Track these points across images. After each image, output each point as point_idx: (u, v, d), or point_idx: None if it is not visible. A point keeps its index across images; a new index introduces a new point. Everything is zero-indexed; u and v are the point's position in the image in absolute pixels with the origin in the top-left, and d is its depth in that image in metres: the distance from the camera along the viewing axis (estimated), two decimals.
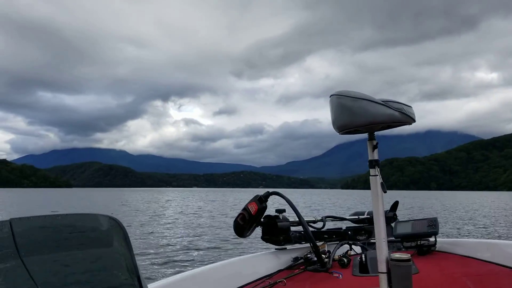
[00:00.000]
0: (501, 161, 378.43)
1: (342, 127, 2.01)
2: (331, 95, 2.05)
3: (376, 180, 2.03)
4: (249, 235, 2.86)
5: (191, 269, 2.46)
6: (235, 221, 2.83)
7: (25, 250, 0.73)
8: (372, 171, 2.04)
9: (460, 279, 2.25)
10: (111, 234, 0.69)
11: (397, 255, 1.98)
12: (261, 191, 2.84)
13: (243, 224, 2.79)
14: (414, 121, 2.02)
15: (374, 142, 2.06)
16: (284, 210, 2.93)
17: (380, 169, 2.05)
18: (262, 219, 2.88)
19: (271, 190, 2.83)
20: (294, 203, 2.85)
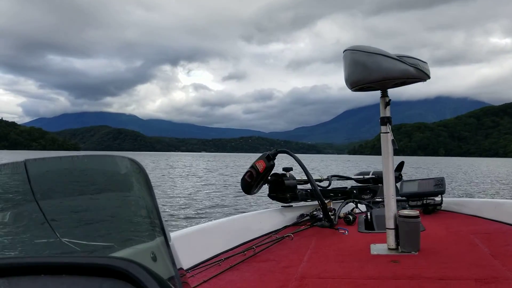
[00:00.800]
0: None
1: (355, 83, 1.96)
2: (344, 50, 1.97)
3: (387, 137, 2.05)
4: (256, 192, 2.88)
5: (200, 224, 2.51)
6: (243, 179, 2.84)
7: (40, 192, 0.70)
8: (383, 128, 2.06)
9: (467, 236, 2.25)
10: (131, 177, 0.66)
11: (405, 211, 2.02)
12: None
13: (251, 182, 2.79)
14: (429, 77, 1.95)
15: (387, 99, 2.04)
16: (291, 169, 2.94)
17: (391, 126, 2.05)
18: (269, 177, 2.89)
19: (279, 148, 2.80)
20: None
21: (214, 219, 2.68)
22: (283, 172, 2.91)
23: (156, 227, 0.57)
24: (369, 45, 1.90)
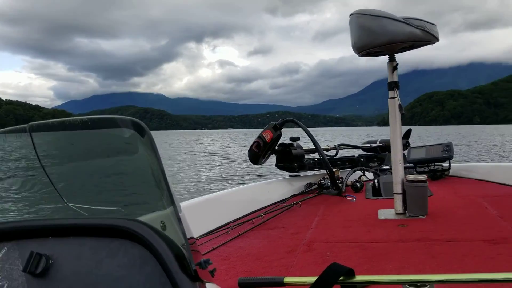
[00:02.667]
0: None
1: (361, 47, 1.95)
2: (350, 14, 1.95)
3: (394, 102, 2.04)
4: (263, 163, 2.88)
5: (209, 194, 2.52)
6: (250, 149, 2.82)
7: (46, 157, 0.70)
8: (390, 93, 2.05)
9: (476, 200, 2.25)
10: (135, 140, 0.64)
11: (413, 176, 2.05)
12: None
13: (258, 152, 2.78)
14: (437, 39, 1.92)
15: (394, 63, 2.03)
16: (298, 138, 2.95)
17: (398, 91, 2.04)
18: (276, 147, 2.90)
19: (286, 118, 2.81)
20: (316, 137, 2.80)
21: (223, 189, 2.75)
22: (290, 142, 2.91)
23: (164, 193, 0.56)
24: (376, 9, 1.89)
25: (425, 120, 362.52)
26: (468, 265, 1.32)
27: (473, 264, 1.33)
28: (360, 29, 1.91)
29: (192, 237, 0.59)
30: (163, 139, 74.63)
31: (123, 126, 0.65)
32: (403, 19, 1.84)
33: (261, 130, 2.72)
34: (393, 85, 2.05)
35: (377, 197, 2.60)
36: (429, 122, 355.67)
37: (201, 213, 2.14)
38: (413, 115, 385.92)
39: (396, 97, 2.05)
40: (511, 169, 2.80)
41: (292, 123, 2.84)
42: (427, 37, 1.88)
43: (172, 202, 0.58)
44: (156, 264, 0.50)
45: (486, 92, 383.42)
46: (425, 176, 2.06)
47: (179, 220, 0.56)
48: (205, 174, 14.45)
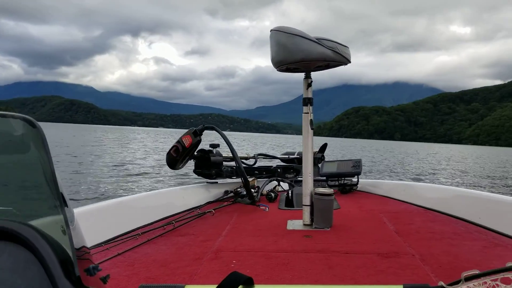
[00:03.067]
0: (467, 115, 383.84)
1: (278, 63, 2.04)
2: (271, 30, 2.05)
3: (307, 117, 2.16)
4: (181, 168, 2.87)
5: (121, 196, 2.43)
6: (168, 153, 2.81)
7: None
8: (305, 109, 2.16)
9: (377, 215, 2.41)
10: (27, 137, 0.60)
11: (321, 189, 2.14)
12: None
13: (176, 156, 2.77)
14: (349, 61, 2.05)
15: (309, 81, 2.14)
16: (218, 145, 2.96)
17: (312, 107, 2.16)
18: (195, 153, 2.91)
19: (207, 124, 2.80)
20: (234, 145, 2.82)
21: (136, 193, 2.67)
22: (210, 148, 2.93)
23: (54, 195, 0.53)
24: (293, 27, 1.96)
25: (351, 133, 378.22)
26: (360, 277, 1.40)
27: (365, 276, 1.41)
28: (277, 45, 1.99)
29: (83, 243, 0.57)
30: (81, 133, 71.75)
31: (13, 123, 0.61)
32: (316, 39, 1.93)
33: None
34: (307, 101, 2.14)
35: (289, 208, 2.66)
36: (354, 135, 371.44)
37: (110, 217, 2.09)
38: (340, 127, 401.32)
39: (309, 113, 2.14)
40: (409, 187, 3.02)
41: (213, 130, 2.86)
42: (339, 58, 1.98)
43: (61, 205, 0.54)
44: (40, 268, 0.48)
45: (408, 111, 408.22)
46: (332, 190, 2.16)
47: (67, 224, 0.54)
48: (122, 174, 13.62)
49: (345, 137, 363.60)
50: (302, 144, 2.22)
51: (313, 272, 1.45)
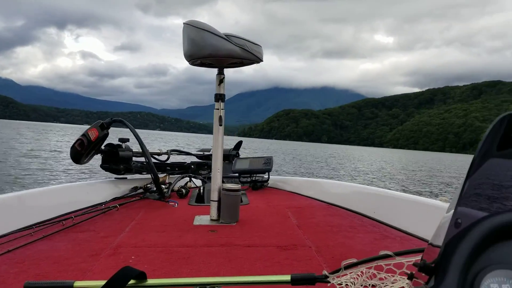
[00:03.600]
0: (389, 120, 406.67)
1: (188, 57, 2.04)
2: (183, 23, 2.05)
3: (218, 113, 2.17)
4: (86, 162, 2.79)
5: (19, 191, 2.32)
6: (73, 147, 2.70)
7: None
8: (216, 105, 2.17)
9: (283, 210, 2.49)
10: None
11: (228, 185, 2.18)
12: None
13: (81, 150, 2.66)
14: (261, 60, 2.09)
15: (221, 77, 2.16)
16: (128, 140, 2.90)
17: (223, 103, 2.18)
18: (103, 147, 2.81)
19: (114, 117, 2.75)
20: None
21: (36, 188, 2.49)
22: (119, 143, 2.86)
23: None
24: (205, 23, 1.96)
25: (281, 135, 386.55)
26: (257, 269, 1.44)
27: (262, 267, 1.45)
28: (187, 39, 2.00)
29: None
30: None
31: None
32: (226, 35, 1.94)
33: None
34: (218, 97, 2.16)
35: (200, 204, 2.67)
36: (284, 137, 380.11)
37: (5, 211, 1.97)
38: (271, 129, 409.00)
39: (219, 109, 2.16)
40: (315, 183, 3.13)
41: (121, 123, 2.76)
42: (247, 56, 2.00)
43: None
44: None
45: (335, 115, 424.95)
46: (239, 186, 2.20)
47: None
48: (29, 169, 13.28)
49: (276, 138, 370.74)
50: (213, 139, 2.22)
51: (213, 265, 1.47)
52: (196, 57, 1.99)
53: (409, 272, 0.62)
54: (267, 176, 3.34)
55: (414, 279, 0.58)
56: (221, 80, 2.16)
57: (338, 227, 2.09)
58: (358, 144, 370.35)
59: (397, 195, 2.35)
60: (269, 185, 3.37)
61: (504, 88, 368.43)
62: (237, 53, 1.96)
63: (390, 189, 2.91)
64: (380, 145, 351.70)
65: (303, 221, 2.21)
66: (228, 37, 1.94)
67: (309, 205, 2.68)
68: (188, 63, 2.11)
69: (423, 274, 0.54)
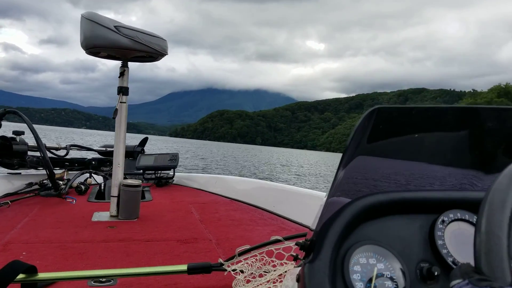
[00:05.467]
0: (321, 123, 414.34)
1: (84, 47, 1.99)
2: (81, 14, 2.03)
3: (121, 106, 2.13)
4: None
5: None
6: None
7: None
8: (119, 98, 2.13)
9: (186, 206, 2.51)
10: None
11: (129, 181, 2.13)
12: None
13: None
14: (160, 52, 2.07)
15: (123, 69, 2.12)
16: (23, 133, 2.78)
17: (125, 97, 2.14)
18: None
19: (8, 108, 2.63)
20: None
21: None
22: (13, 136, 2.71)
23: None
24: (101, 14, 1.95)
25: (215, 136, 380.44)
26: (155, 262, 1.43)
27: (160, 260, 1.46)
28: (81, 30, 1.97)
29: None
30: None
31: None
32: (116, 26, 1.92)
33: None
34: (119, 90, 2.14)
35: (100, 200, 2.60)
36: (218, 138, 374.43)
37: None
38: (205, 130, 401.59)
39: (122, 102, 2.13)
40: (220, 180, 3.15)
41: (15, 115, 2.62)
42: (140, 48, 1.96)
43: None
44: None
45: (269, 117, 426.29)
46: (140, 181, 2.15)
47: None
48: None
49: (209, 139, 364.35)
50: (115, 134, 2.18)
51: (109, 260, 1.44)
52: (86, 47, 1.97)
53: (295, 254, 0.65)
54: (172, 173, 3.31)
55: (297, 259, 0.62)
56: (121, 73, 2.11)
57: (239, 221, 2.15)
58: (292, 147, 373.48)
59: (294, 189, 2.42)
60: (174, 182, 3.34)
61: (428, 95, 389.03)
62: (125, 44, 1.92)
63: (293, 185, 2.85)
64: (313, 147, 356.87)
65: (206, 216, 2.24)
66: (117, 28, 1.90)
67: (214, 201, 2.71)
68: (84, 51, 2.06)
69: (304, 253, 0.58)
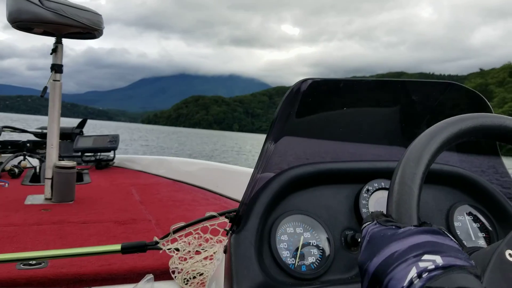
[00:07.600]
0: None
1: (10, 22, 1.91)
2: None
3: (54, 84, 2.04)
4: None
5: None
6: None
7: None
8: (52, 76, 2.05)
9: (127, 188, 2.45)
10: None
11: (62, 162, 2.06)
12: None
13: None
14: (91, 28, 1.95)
15: (55, 46, 2.04)
16: None
17: (58, 74, 2.05)
18: None
19: None
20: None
21: None
22: None
23: None
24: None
25: (190, 122, 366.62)
26: (91, 243, 1.40)
27: (96, 241, 1.43)
28: (6, 4, 1.91)
29: None
30: None
31: None
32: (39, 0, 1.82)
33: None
34: (52, 68, 2.06)
35: (35, 183, 2.53)
36: (193, 124, 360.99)
37: None
38: (179, 116, 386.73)
39: (56, 80, 2.06)
40: (163, 161, 3.10)
41: None
42: (66, 21, 1.87)
43: None
44: None
45: (246, 102, 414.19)
46: (74, 163, 2.09)
47: None
48: None
49: (184, 126, 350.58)
50: (48, 113, 2.10)
51: (41, 243, 1.40)
52: (12, 22, 1.89)
53: (228, 228, 0.67)
54: (113, 155, 3.24)
55: (230, 232, 0.63)
56: (53, 49, 2.04)
57: (181, 201, 2.12)
58: None
59: (238, 169, 2.42)
60: (115, 164, 3.27)
61: (407, 79, 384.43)
62: (48, 17, 1.82)
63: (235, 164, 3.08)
64: None
65: (147, 197, 2.21)
66: (40, 1, 1.81)
67: (156, 182, 2.67)
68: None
69: (231, 225, 0.60)
